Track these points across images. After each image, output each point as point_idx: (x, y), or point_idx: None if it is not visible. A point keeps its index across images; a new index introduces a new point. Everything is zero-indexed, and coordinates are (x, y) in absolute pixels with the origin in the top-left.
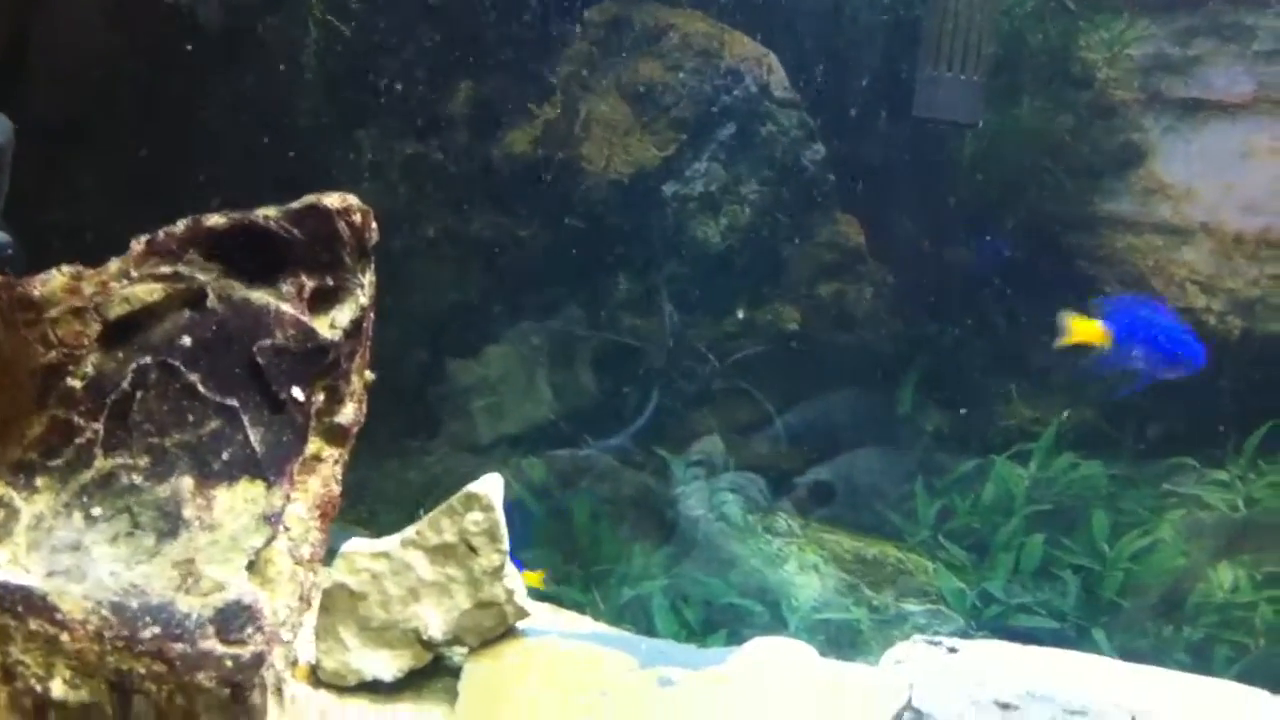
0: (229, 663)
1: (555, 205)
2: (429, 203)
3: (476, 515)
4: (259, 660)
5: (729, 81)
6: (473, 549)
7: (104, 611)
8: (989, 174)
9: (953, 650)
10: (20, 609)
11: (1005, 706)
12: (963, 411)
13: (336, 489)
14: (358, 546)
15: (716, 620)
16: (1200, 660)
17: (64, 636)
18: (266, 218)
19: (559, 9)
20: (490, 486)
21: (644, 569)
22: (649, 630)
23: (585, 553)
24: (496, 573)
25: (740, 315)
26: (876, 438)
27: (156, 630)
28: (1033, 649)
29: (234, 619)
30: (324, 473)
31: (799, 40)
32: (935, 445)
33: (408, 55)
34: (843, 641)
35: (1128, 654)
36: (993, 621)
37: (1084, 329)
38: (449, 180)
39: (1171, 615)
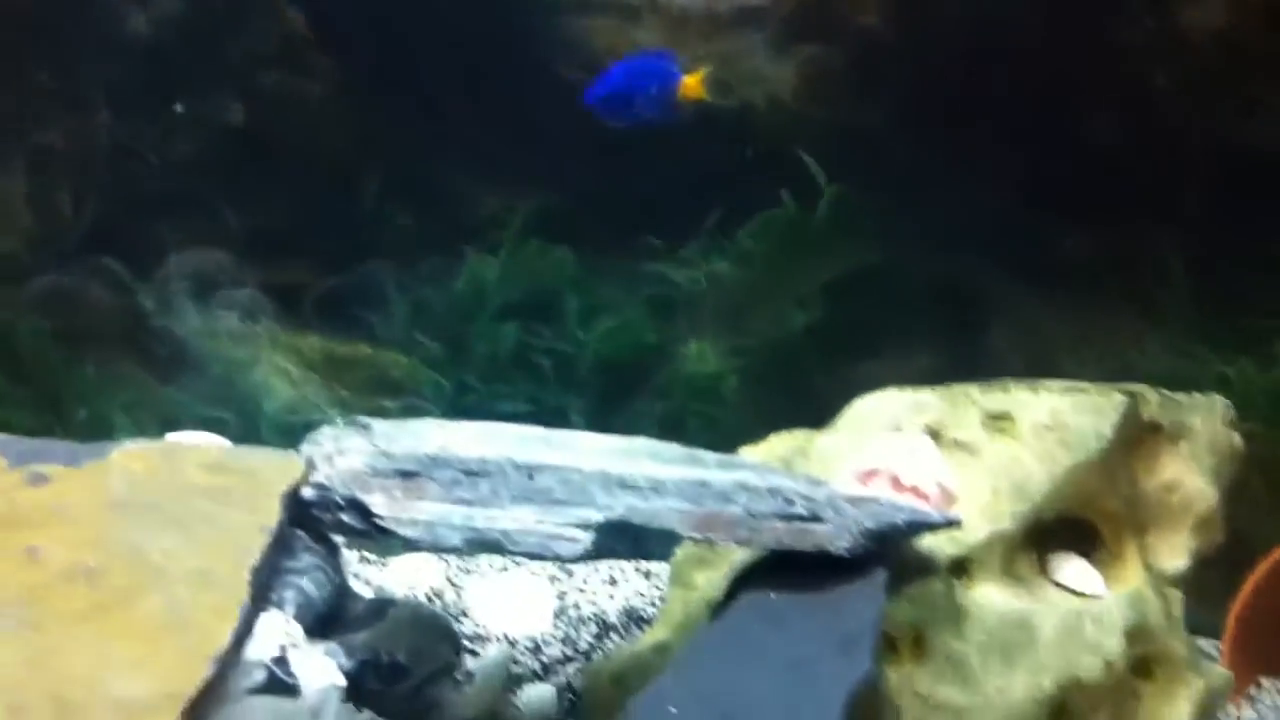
0: None
1: None
2: None
3: None
4: None
5: None
6: None
7: None
8: None
9: (365, 428)
10: None
11: (406, 474)
12: (430, 206)
13: None
14: None
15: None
16: (673, 432)
17: None
18: None
19: None
20: None
21: (99, 387)
22: None
23: (36, 378)
24: None
25: (178, 109)
26: (341, 237)
27: None
28: (459, 423)
29: None
30: None
31: None
32: (405, 242)
33: None
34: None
35: (604, 430)
36: (471, 410)
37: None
38: None
39: (643, 390)
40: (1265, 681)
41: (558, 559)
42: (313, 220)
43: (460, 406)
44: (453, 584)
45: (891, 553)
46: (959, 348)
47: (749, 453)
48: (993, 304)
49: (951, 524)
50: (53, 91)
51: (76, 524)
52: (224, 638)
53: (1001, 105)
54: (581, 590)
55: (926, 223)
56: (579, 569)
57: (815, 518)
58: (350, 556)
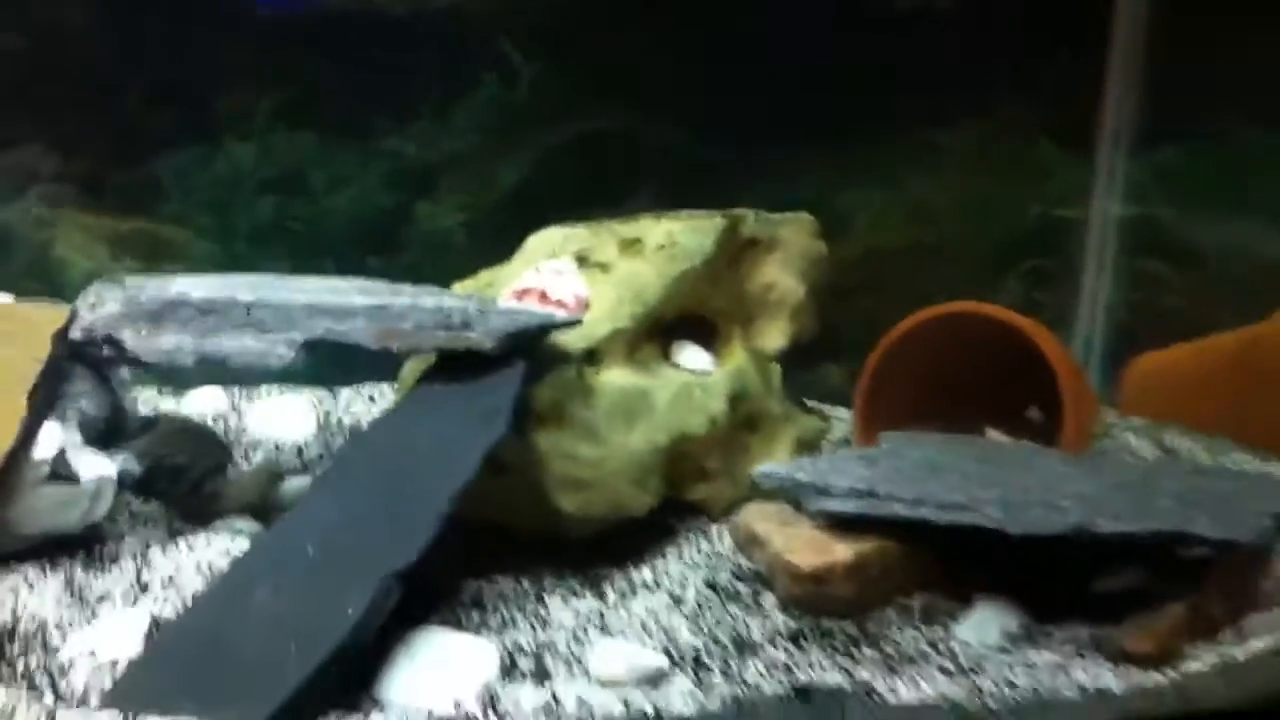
0: None
1: None
2: None
3: None
4: None
5: None
6: None
7: None
8: None
9: (120, 283)
10: None
11: (152, 315)
12: (188, 106)
13: None
14: None
15: None
16: (411, 276)
17: None
18: None
19: None
20: None
21: None
22: None
23: None
24: None
25: None
26: (120, 137)
27: None
28: (201, 275)
29: None
30: None
31: None
32: (172, 136)
33: None
34: None
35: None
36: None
37: None
38: None
39: (386, 246)
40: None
41: (268, 368)
42: (98, 123)
43: (230, 270)
44: (235, 409)
45: (531, 349)
46: (653, 199)
47: (458, 287)
48: (682, 160)
49: (575, 324)
50: None
51: None
52: (7, 443)
53: None
54: (345, 408)
55: (612, 96)
56: (344, 392)
57: (467, 325)
58: (151, 394)
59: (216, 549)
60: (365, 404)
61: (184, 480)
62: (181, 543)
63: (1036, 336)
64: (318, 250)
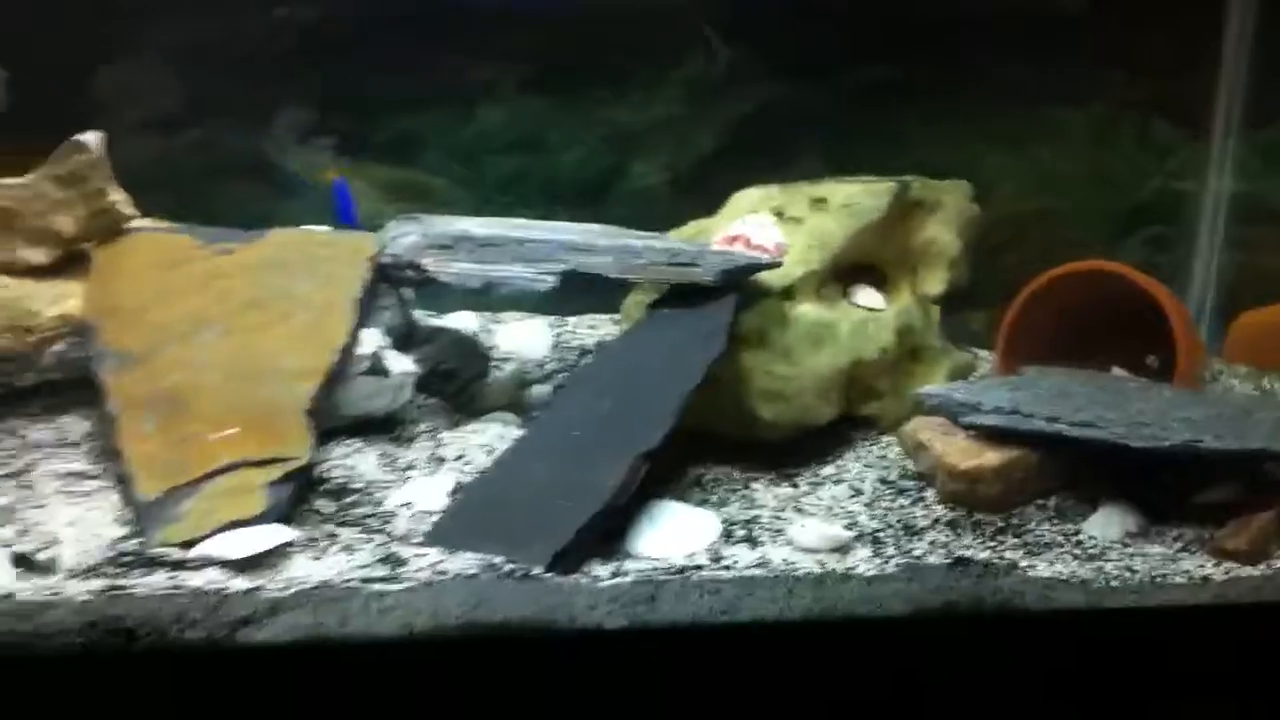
0: None
1: None
2: None
3: (81, 156)
4: None
5: None
6: (84, 176)
7: None
8: None
9: (416, 219)
10: None
11: (443, 247)
12: (448, 73)
13: None
14: (7, 181)
15: None
16: (625, 224)
17: None
18: None
19: None
20: (88, 137)
21: (252, 205)
22: None
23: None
24: (105, 191)
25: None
26: (391, 100)
27: None
28: (478, 218)
29: None
30: None
31: None
32: (435, 98)
33: None
34: None
35: None
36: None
37: None
38: None
39: (605, 198)
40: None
41: (536, 290)
42: (371, 87)
43: (488, 213)
44: (487, 330)
45: (741, 285)
46: (822, 159)
47: (677, 233)
48: (849, 130)
49: (776, 265)
50: None
51: (250, 275)
52: (342, 339)
53: None
54: (572, 332)
55: (797, 76)
56: (571, 319)
57: (692, 264)
58: (420, 315)
59: (490, 434)
60: (587, 329)
61: (455, 381)
62: (462, 429)
63: (1155, 292)
64: (550, 200)
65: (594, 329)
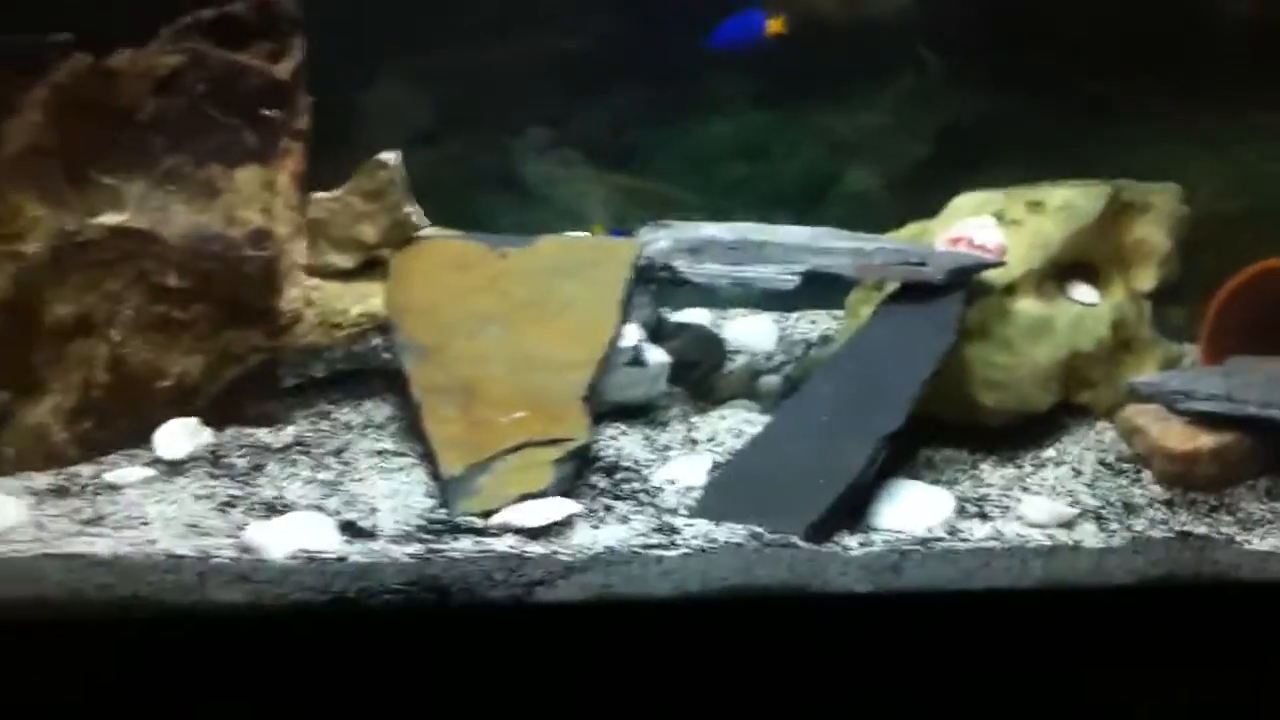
0: (261, 259)
1: None
2: None
3: (383, 173)
4: (275, 259)
5: None
6: (384, 191)
7: (188, 237)
8: None
9: (667, 226)
10: (141, 238)
11: (693, 250)
12: (683, 87)
13: (302, 166)
14: (321, 196)
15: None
16: (845, 225)
17: (170, 252)
18: (236, 10)
19: None
20: (389, 155)
21: (503, 212)
22: None
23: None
24: (401, 204)
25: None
26: (631, 113)
27: (219, 245)
28: (727, 223)
29: (259, 238)
30: (294, 159)
31: None
32: (670, 110)
33: None
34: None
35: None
36: (723, 218)
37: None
38: None
39: (825, 200)
40: None
41: (780, 290)
42: (615, 101)
43: (715, 218)
44: (717, 325)
45: (966, 282)
46: (1033, 165)
47: (895, 235)
48: (1053, 136)
49: (999, 265)
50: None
51: (527, 277)
52: (609, 333)
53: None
54: (794, 326)
55: (1003, 85)
56: (792, 315)
57: (922, 264)
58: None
59: (735, 419)
60: (808, 324)
61: (695, 372)
62: (708, 414)
63: None
64: (776, 205)
65: (814, 324)
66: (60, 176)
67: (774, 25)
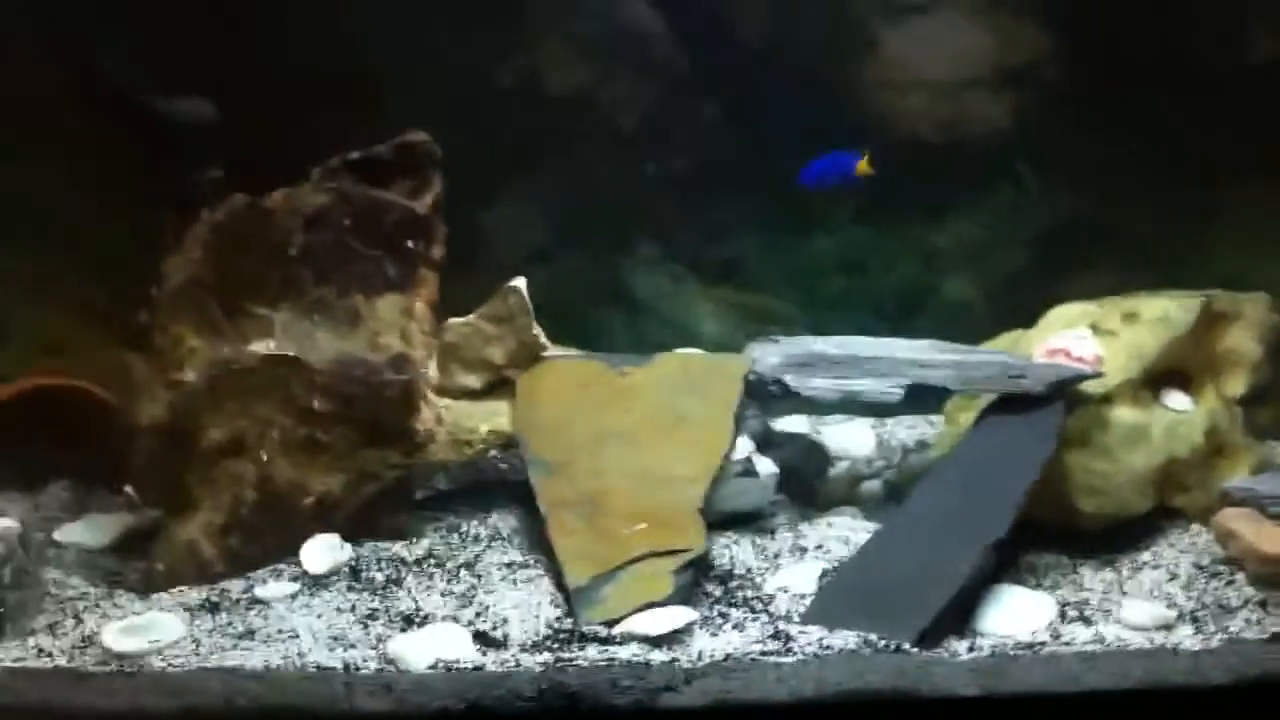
0: (400, 382)
1: None
2: None
3: (512, 298)
4: (413, 382)
5: None
6: (513, 315)
7: (333, 363)
8: None
9: (775, 340)
10: (290, 365)
11: (801, 365)
12: (783, 204)
13: (436, 293)
14: (454, 321)
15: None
16: (943, 334)
17: (316, 377)
18: (380, 151)
19: None
20: (517, 282)
21: (615, 326)
22: None
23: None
24: (529, 326)
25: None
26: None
27: (362, 371)
28: (824, 337)
29: (399, 363)
30: (430, 286)
31: None
32: (773, 227)
33: None
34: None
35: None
36: (826, 331)
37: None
38: None
39: (924, 310)
40: None
41: (886, 403)
42: (717, 218)
43: (819, 330)
44: (816, 432)
45: (1065, 392)
46: (1123, 272)
47: (991, 344)
48: (1145, 249)
49: (1097, 376)
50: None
51: (645, 393)
52: (723, 446)
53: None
54: (891, 432)
55: (1095, 196)
56: (889, 420)
57: (1022, 375)
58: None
59: (841, 527)
60: (905, 430)
61: (802, 479)
62: (816, 521)
63: None
64: (876, 316)
65: (911, 429)
66: (216, 308)
67: (862, 166)
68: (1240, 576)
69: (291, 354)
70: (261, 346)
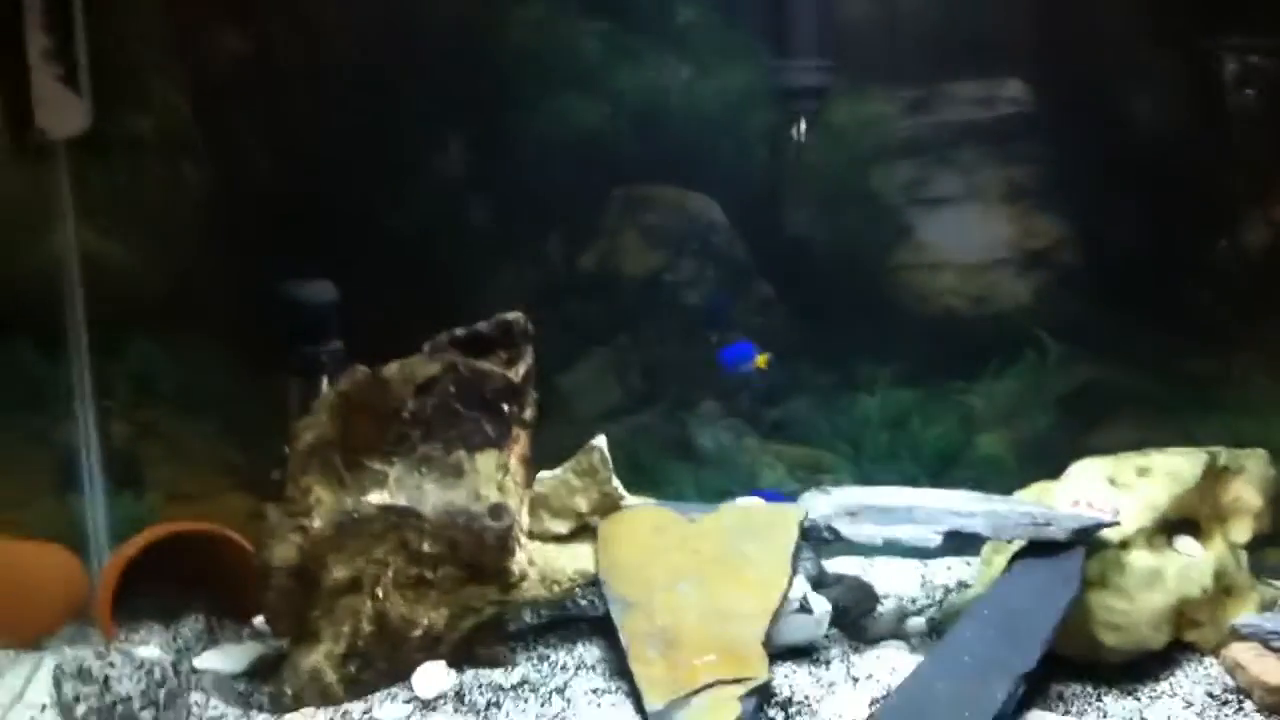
0: (499, 529)
1: None
2: None
3: (595, 455)
4: (510, 528)
5: None
6: (596, 469)
7: (440, 511)
8: None
9: (827, 492)
10: (402, 514)
11: (851, 513)
12: (830, 368)
13: (528, 451)
14: (544, 475)
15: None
16: (979, 485)
17: (425, 524)
18: (481, 328)
19: None
20: (599, 440)
21: (681, 475)
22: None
23: (652, 472)
24: (609, 479)
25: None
26: (802, 390)
27: (465, 519)
28: (871, 488)
29: (497, 512)
30: (522, 443)
31: None
32: (821, 388)
33: None
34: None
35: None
36: (871, 482)
37: None
38: None
39: (959, 463)
40: None
41: (926, 550)
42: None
43: (865, 480)
44: (863, 571)
45: (1086, 539)
46: (1138, 430)
47: (1020, 494)
48: (1155, 408)
49: (1115, 524)
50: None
51: (712, 538)
52: (783, 586)
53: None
54: (933, 573)
55: (1107, 364)
56: (932, 561)
57: (1048, 524)
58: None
59: (889, 659)
60: (945, 570)
61: (852, 616)
62: (866, 653)
63: None
64: (916, 468)
65: (950, 569)
66: (340, 463)
67: (760, 360)
68: (1249, 704)
69: (404, 504)
70: (378, 497)
